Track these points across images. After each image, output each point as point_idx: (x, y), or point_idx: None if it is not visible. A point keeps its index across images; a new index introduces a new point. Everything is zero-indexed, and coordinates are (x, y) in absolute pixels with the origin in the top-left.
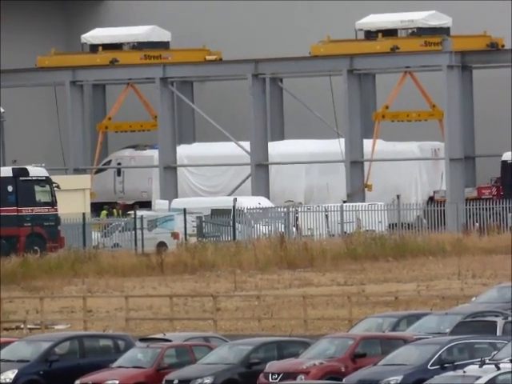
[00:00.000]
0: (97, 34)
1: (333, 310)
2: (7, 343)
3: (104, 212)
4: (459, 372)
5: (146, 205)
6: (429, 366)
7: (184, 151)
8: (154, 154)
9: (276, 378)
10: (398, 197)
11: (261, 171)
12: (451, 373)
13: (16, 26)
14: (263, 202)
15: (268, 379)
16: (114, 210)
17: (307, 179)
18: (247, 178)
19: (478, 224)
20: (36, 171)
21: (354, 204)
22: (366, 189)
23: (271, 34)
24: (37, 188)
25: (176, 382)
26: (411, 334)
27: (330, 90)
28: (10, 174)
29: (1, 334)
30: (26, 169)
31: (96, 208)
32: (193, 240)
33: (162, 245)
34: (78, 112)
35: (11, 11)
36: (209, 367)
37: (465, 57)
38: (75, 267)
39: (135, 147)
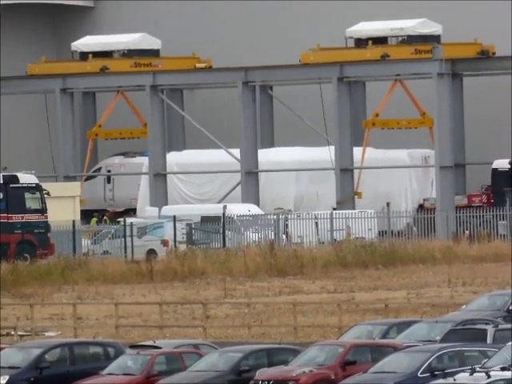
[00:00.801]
0: (87, 42)
1: (323, 317)
2: None
3: (94, 219)
4: (449, 380)
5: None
6: (419, 374)
7: (174, 158)
8: (143, 161)
9: None
10: (388, 204)
11: (251, 179)
12: (441, 380)
13: (6, 33)
14: (253, 209)
15: None
16: (105, 218)
17: (297, 187)
18: (237, 185)
19: (468, 232)
20: (26, 178)
21: (344, 211)
22: (355, 196)
23: (261, 42)
24: (27, 195)
25: None
26: (401, 341)
27: (320, 97)
28: (0, 181)
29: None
30: (16, 176)
31: (86, 215)
32: (182, 247)
33: (151, 252)
34: (68, 119)
35: (1, 20)
36: (199, 374)
37: (455, 64)
38: (65, 274)
39: (125, 154)
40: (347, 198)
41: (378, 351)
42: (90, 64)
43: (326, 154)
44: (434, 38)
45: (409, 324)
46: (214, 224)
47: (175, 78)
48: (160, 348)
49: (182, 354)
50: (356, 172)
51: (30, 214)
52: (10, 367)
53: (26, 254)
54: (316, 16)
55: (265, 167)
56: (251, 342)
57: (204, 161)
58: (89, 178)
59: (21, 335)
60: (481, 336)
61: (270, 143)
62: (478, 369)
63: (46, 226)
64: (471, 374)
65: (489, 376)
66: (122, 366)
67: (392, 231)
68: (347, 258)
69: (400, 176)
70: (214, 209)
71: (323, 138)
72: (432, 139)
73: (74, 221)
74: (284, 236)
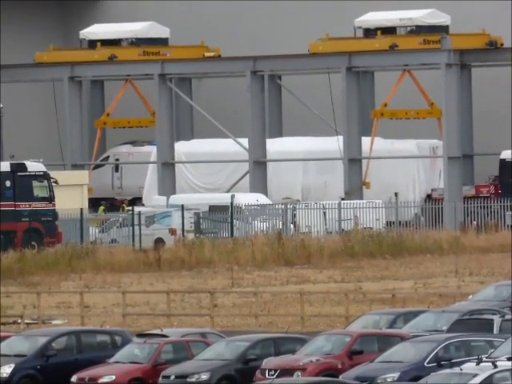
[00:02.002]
0: (95, 30)
1: (330, 307)
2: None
3: (101, 208)
4: (456, 369)
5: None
6: (426, 364)
7: (182, 148)
8: (151, 150)
9: (273, 375)
10: (396, 195)
11: (259, 168)
12: (448, 370)
13: (15, 21)
14: (261, 198)
15: (265, 375)
16: (124, 205)
17: (305, 176)
18: (245, 174)
19: (475, 222)
20: (34, 166)
21: (352, 202)
22: (363, 186)
23: (270, 32)
24: (35, 183)
25: (173, 377)
26: (408, 331)
27: (328, 87)
28: (8, 169)
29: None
30: (23, 164)
31: (94, 204)
32: (190, 236)
33: (159, 241)
34: (76, 108)
35: (10, 7)
36: (205, 363)
37: (463, 55)
38: (72, 263)
39: (133, 143)
40: (355, 188)
41: (385, 341)
42: (98, 52)
43: (334, 143)
44: (442, 29)
45: (416, 314)
46: (221, 213)
47: (184, 66)
48: (167, 337)
49: (189, 342)
50: (364, 162)
51: (38, 202)
52: (16, 355)
53: (33, 242)
54: (325, 6)
55: (273, 157)
56: (258, 331)
57: (212, 150)
58: (97, 166)
59: (27, 323)
60: (487, 326)
61: (278, 133)
62: (484, 359)
63: (54, 214)
64: (478, 363)
65: (495, 366)
66: (129, 354)
67: (400, 221)
68: (355, 248)
69: (408, 166)
70: (222, 198)
71: (331, 128)
72: (440, 130)
73: (81, 209)
74: (292, 226)
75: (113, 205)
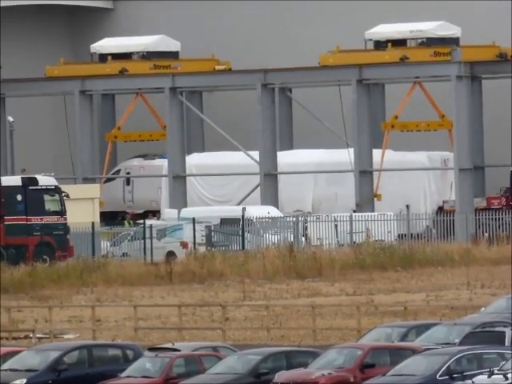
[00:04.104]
0: (106, 44)
1: (341, 319)
2: (11, 353)
3: (126, 221)
4: (468, 382)
5: (155, 214)
6: (438, 377)
7: (193, 161)
8: (163, 163)
9: None
10: (408, 207)
11: (270, 180)
12: (460, 383)
13: (25, 35)
14: (272, 211)
15: None
16: (126, 221)
17: (316, 189)
18: (256, 187)
19: (487, 234)
20: (45, 180)
21: (364, 214)
22: (375, 198)
23: (280, 44)
24: (46, 197)
25: None
26: (420, 344)
27: (339, 99)
28: (20, 184)
29: (8, 344)
30: (35, 178)
31: (105, 217)
32: (202, 249)
33: (170, 254)
34: (87, 121)
35: (20, 21)
36: (217, 377)
37: (474, 67)
38: (84, 276)
39: (144, 157)
40: (366, 200)
41: (397, 354)
42: (109, 66)
43: (345, 156)
44: (452, 41)
45: (427, 327)
46: (233, 226)
47: (194, 80)
48: (179, 350)
49: (201, 356)
50: (375, 174)
51: (49, 216)
52: (27, 370)
53: (44, 256)
54: (335, 18)
55: (284, 169)
56: (270, 345)
57: (223, 163)
58: (108, 180)
59: (39, 338)
60: (499, 338)
61: (289, 145)
62: (496, 371)
63: (65, 228)
64: (489, 376)
65: (507, 378)
66: (141, 368)
67: (411, 234)
68: (366, 261)
69: (419, 178)
70: (233, 211)
71: (342, 140)
72: (451, 141)
73: (93, 223)
74: (303, 238)
75: (124, 218)
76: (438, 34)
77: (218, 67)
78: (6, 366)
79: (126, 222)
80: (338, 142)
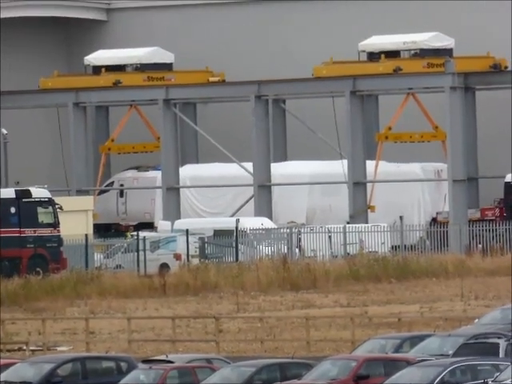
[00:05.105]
0: (100, 56)
1: (336, 331)
2: (8, 365)
3: (128, 234)
4: None
5: (149, 226)
6: None
7: (187, 172)
8: (156, 175)
9: None
10: (401, 218)
11: (263, 192)
12: None
13: (19, 47)
14: (266, 222)
15: None
16: (128, 233)
17: (310, 200)
18: (250, 198)
19: (481, 245)
20: (39, 192)
21: (357, 225)
22: (368, 210)
23: (274, 56)
24: (39, 209)
25: None
26: (414, 355)
27: (332, 111)
28: (13, 196)
29: (2, 356)
30: (28, 190)
31: (99, 229)
32: (195, 261)
33: (164, 266)
34: (81, 133)
35: (14, 33)
36: None
37: (468, 78)
38: (77, 288)
39: (138, 168)
40: (360, 211)
41: (391, 365)
42: (102, 78)
43: (338, 167)
44: (446, 52)
45: (422, 338)
46: (226, 238)
47: (188, 91)
48: (173, 362)
49: (195, 368)
50: (369, 185)
51: (43, 228)
52: (21, 382)
53: (38, 269)
54: (329, 29)
55: (277, 181)
56: (264, 357)
57: (217, 174)
58: (102, 192)
59: (33, 350)
60: (493, 350)
61: (283, 157)
62: (490, 382)
63: (59, 240)
64: None
65: None
66: (135, 380)
67: (405, 245)
68: (360, 272)
69: (413, 190)
70: (226, 222)
71: (336, 152)
72: (445, 153)
73: (86, 235)
74: (297, 250)
75: (117, 230)
76: (432, 45)
77: (211, 79)
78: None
79: (128, 234)
80: (331, 153)
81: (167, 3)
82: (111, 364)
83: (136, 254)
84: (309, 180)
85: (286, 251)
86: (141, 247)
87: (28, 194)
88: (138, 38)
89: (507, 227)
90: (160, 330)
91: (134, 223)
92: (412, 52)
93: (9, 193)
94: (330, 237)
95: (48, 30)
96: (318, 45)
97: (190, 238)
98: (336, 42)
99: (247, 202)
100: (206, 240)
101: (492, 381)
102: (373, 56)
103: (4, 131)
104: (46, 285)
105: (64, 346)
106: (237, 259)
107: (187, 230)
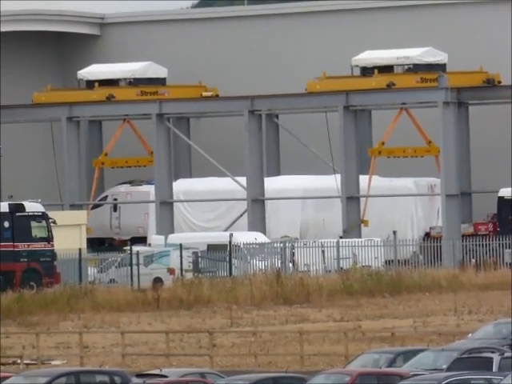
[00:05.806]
0: (93, 70)
1: (329, 345)
2: (3, 378)
3: (126, 249)
4: None
5: (142, 240)
6: None
7: (180, 186)
8: (150, 189)
9: None
10: (395, 233)
11: (257, 206)
12: None
13: (12, 62)
14: (259, 237)
15: None
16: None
17: (303, 215)
18: (243, 213)
19: (474, 260)
20: (32, 207)
21: (351, 240)
22: (362, 224)
23: (267, 71)
24: (33, 224)
25: None
26: (408, 370)
27: (325, 126)
28: (7, 210)
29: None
30: (22, 204)
31: (92, 243)
32: (189, 275)
33: (157, 280)
34: (75, 148)
35: (8, 48)
36: None
37: (461, 93)
38: (71, 303)
39: (131, 183)
40: (353, 226)
41: (385, 380)
42: (96, 92)
43: (331, 182)
44: (439, 67)
45: (415, 352)
46: (220, 252)
47: (181, 106)
48: (166, 377)
49: (189, 382)
50: (362, 200)
51: (36, 242)
52: None
53: (31, 283)
54: (322, 45)
55: (271, 195)
56: (257, 371)
57: (210, 189)
58: (95, 206)
59: (27, 364)
60: (487, 364)
61: (276, 171)
62: None
63: (52, 254)
64: None
65: None
66: None
67: (398, 260)
68: (353, 287)
69: (406, 204)
70: (220, 237)
71: (329, 166)
72: (438, 167)
73: (80, 249)
74: (290, 264)
75: (111, 244)
76: (425, 60)
77: (205, 93)
78: None
79: (125, 250)
80: (324, 168)
81: (161, 18)
82: (105, 378)
83: (129, 268)
84: (302, 194)
85: (279, 266)
86: (134, 261)
87: (21, 208)
88: (132, 53)
89: (500, 242)
90: (153, 344)
91: (128, 237)
92: (405, 67)
93: (2, 207)
94: (323, 251)
95: (42, 44)
96: (312, 60)
97: (184, 253)
98: (329, 57)
99: (241, 216)
100: (199, 254)
101: None
102: (366, 71)
103: None
104: (40, 299)
105: (58, 360)
106: (230, 273)
107: (181, 245)
